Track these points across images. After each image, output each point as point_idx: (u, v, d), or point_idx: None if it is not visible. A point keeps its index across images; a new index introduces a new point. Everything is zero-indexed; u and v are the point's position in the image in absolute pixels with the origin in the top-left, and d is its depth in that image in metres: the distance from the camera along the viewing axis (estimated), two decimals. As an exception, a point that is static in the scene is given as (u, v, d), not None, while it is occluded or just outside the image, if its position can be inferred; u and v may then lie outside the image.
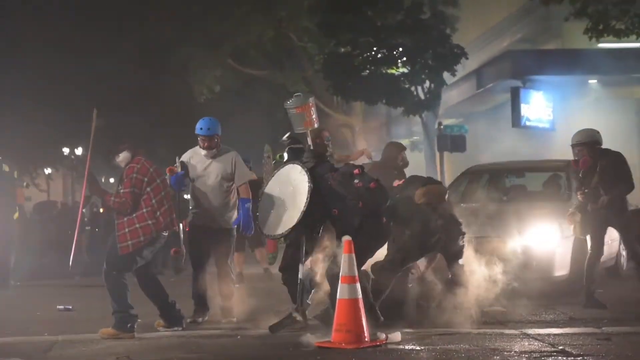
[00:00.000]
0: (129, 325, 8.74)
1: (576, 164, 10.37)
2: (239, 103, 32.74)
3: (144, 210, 8.74)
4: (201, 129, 9.69)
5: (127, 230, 8.69)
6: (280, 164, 9.74)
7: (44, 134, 34.79)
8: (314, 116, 9.85)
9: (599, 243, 10.16)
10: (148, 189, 8.75)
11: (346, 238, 8.18)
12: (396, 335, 8.00)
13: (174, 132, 34.54)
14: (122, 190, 8.71)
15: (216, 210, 9.69)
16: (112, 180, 49.97)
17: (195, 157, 9.76)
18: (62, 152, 45.13)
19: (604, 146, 10.59)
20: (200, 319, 9.57)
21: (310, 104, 10.14)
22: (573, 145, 10.49)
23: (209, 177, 9.69)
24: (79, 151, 45.58)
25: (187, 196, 10.47)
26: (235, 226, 9.80)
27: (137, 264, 8.85)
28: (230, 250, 9.91)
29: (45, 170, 49.24)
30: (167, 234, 8.96)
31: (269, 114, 31.61)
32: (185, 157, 9.78)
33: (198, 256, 9.79)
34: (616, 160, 10.32)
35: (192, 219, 9.88)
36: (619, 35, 20.41)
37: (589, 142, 10.35)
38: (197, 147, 9.80)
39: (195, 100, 30.74)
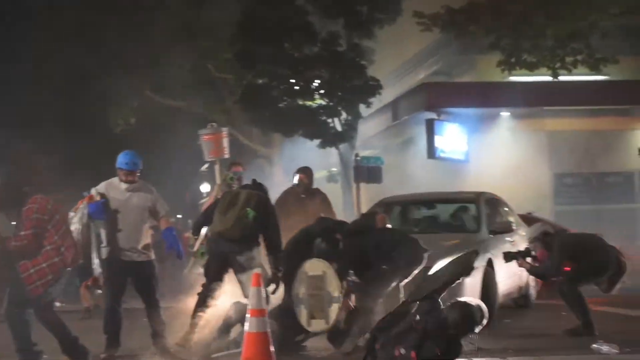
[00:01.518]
0: None
1: (534, 259, 10.79)
2: (156, 134, 32.47)
3: (48, 247, 8.59)
4: (126, 163, 9.58)
5: (32, 270, 8.52)
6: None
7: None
8: (224, 146, 9.91)
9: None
10: (49, 227, 8.61)
11: (255, 271, 8.19)
12: None
13: (93, 163, 34.13)
14: (22, 233, 8.54)
15: (135, 243, 9.59)
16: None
17: (113, 189, 9.64)
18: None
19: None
20: (114, 354, 9.44)
21: (222, 134, 10.18)
22: (530, 241, 10.92)
23: (128, 211, 9.59)
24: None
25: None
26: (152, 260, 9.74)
27: (44, 301, 8.70)
28: (156, 282, 9.79)
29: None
30: (70, 268, 8.82)
31: (187, 145, 31.41)
32: (101, 189, 9.65)
33: (117, 290, 9.65)
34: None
35: (110, 253, 9.71)
36: (531, 68, 20.93)
37: (539, 236, 10.70)
38: (114, 179, 9.70)
39: (111, 131, 30.42)
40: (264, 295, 7.90)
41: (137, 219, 9.58)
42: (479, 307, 7.67)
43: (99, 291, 9.76)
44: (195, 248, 10.19)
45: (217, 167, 11.12)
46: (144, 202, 9.63)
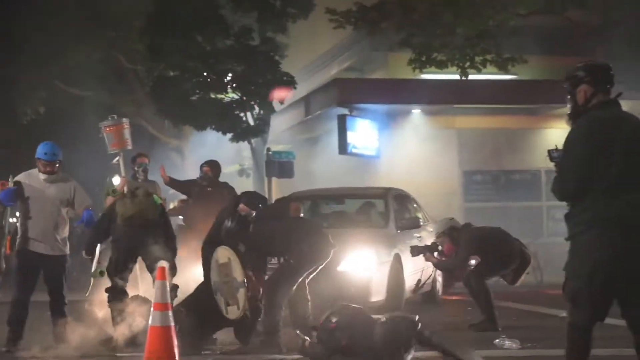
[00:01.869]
0: None
1: (441, 253, 10.88)
2: (65, 125, 31.94)
3: None
4: (45, 153, 9.45)
5: None
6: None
7: None
8: (125, 137, 9.86)
9: None
10: None
11: (161, 264, 8.10)
12: None
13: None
14: None
15: (51, 236, 9.44)
16: None
17: (32, 180, 9.50)
18: None
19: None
20: (14, 348, 9.26)
21: (123, 125, 10.10)
22: (437, 235, 10.98)
23: (46, 202, 9.45)
24: None
25: (12, 220, 10.19)
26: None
27: None
28: (64, 277, 9.66)
29: None
30: None
31: (96, 136, 30.95)
32: (20, 178, 9.52)
33: (25, 282, 9.48)
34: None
35: (22, 244, 9.55)
36: (441, 66, 21.17)
37: (447, 231, 10.79)
38: (34, 170, 9.56)
39: (20, 122, 29.82)
40: (168, 288, 7.82)
41: (54, 210, 9.46)
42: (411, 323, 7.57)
43: None
44: (93, 268, 9.90)
45: (120, 159, 10.98)
46: (62, 193, 9.52)
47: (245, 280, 8.88)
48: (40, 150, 9.49)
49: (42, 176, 9.49)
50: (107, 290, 9.41)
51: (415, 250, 11.08)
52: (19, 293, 9.45)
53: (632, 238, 5.64)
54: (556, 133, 23.26)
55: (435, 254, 10.95)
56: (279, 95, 15.93)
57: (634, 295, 5.67)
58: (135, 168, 12.09)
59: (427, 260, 11.16)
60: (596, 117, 5.82)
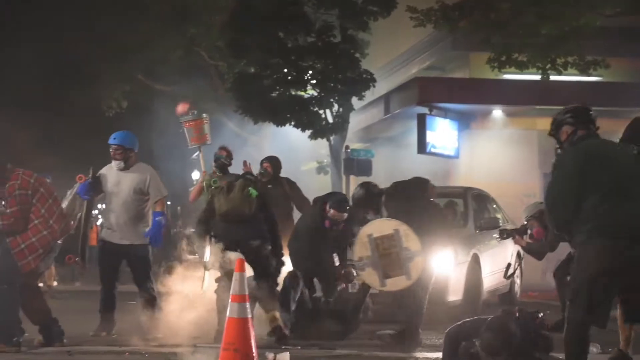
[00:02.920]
0: (14, 339, 8.54)
1: (531, 237, 10.79)
2: (148, 119, 32.45)
3: (36, 221, 8.60)
4: (114, 138, 9.64)
5: (23, 246, 8.52)
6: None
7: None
8: (205, 132, 9.95)
9: None
10: (34, 201, 8.59)
11: (238, 256, 8.15)
12: (284, 356, 7.97)
13: (82, 146, 34.03)
14: (8, 210, 8.51)
15: (127, 226, 9.59)
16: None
17: (110, 171, 9.71)
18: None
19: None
20: (104, 333, 9.44)
21: (203, 121, 10.19)
22: (526, 219, 10.86)
23: (121, 191, 9.60)
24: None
25: (95, 211, 10.43)
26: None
27: (36, 277, 8.75)
28: (149, 265, 9.80)
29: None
30: (60, 241, 8.84)
31: (178, 131, 31.38)
32: (102, 171, 9.76)
33: (108, 272, 9.66)
34: None
35: (103, 234, 9.75)
36: (521, 67, 20.88)
37: (536, 214, 10.64)
38: (113, 163, 9.72)
39: (104, 115, 30.35)
40: (246, 280, 7.86)
41: (129, 200, 9.57)
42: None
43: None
44: (207, 258, 9.80)
45: (200, 154, 11.09)
46: (137, 183, 9.63)
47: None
48: (111, 136, 9.69)
49: (116, 166, 9.64)
50: (217, 280, 9.41)
51: (505, 233, 10.96)
52: (102, 283, 9.65)
53: (636, 247, 6.12)
54: (640, 136, 22.88)
55: (525, 237, 10.80)
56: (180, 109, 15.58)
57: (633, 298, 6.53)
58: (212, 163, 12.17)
59: (516, 243, 11.02)
60: (580, 144, 6.66)
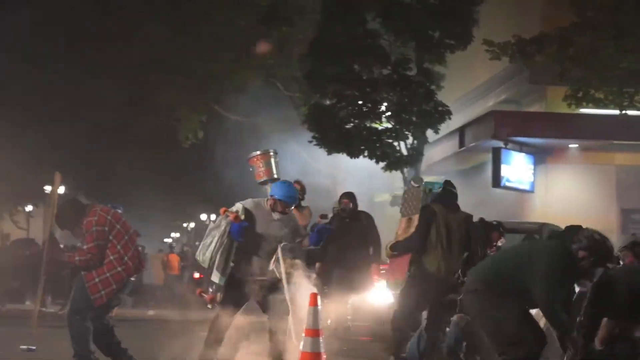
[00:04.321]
0: None
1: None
2: (224, 150, 32.79)
3: (112, 257, 8.72)
4: (290, 197, 9.37)
5: (97, 280, 8.66)
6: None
7: (25, 170, 34.63)
8: (271, 167, 9.98)
9: None
10: (110, 237, 8.72)
11: (313, 291, 8.18)
12: None
13: (155, 176, 34.57)
14: (85, 246, 8.65)
15: (266, 268, 9.33)
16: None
17: (259, 211, 9.32)
18: (44, 190, 44.81)
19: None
20: None
21: (269, 155, 10.21)
22: (619, 250, 10.75)
23: (268, 237, 9.33)
24: (61, 190, 45.30)
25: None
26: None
27: (107, 311, 8.86)
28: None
29: (25, 207, 48.84)
30: (134, 278, 8.95)
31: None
32: (249, 206, 9.37)
33: (236, 306, 9.40)
34: None
35: (240, 274, 9.45)
36: (598, 104, 20.61)
37: (629, 245, 10.55)
38: (262, 200, 9.43)
39: (178, 144, 30.73)
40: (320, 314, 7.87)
41: (274, 247, 9.34)
42: None
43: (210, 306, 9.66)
44: None
45: (268, 188, 11.12)
46: (283, 230, 9.41)
47: None
48: (284, 192, 9.27)
49: (275, 215, 9.40)
50: None
51: None
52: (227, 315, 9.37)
53: None
54: None
55: None
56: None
57: None
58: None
59: None
60: None
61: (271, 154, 10.25)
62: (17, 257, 25.14)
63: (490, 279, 7.27)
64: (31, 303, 24.80)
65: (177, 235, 75.15)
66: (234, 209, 9.28)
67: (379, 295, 13.07)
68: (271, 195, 9.34)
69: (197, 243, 70.05)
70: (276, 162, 10.33)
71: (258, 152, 10.34)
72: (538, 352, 7.10)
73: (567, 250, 7.11)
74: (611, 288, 7.58)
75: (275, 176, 10.38)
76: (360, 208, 13.13)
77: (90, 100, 31.48)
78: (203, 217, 60.66)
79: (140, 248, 9.66)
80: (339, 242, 12.31)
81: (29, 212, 50.02)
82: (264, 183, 10.49)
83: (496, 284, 7.19)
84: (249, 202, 9.41)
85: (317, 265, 12.74)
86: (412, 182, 11.30)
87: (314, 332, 7.80)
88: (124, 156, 34.00)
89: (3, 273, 23.76)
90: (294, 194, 9.48)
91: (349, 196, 13.07)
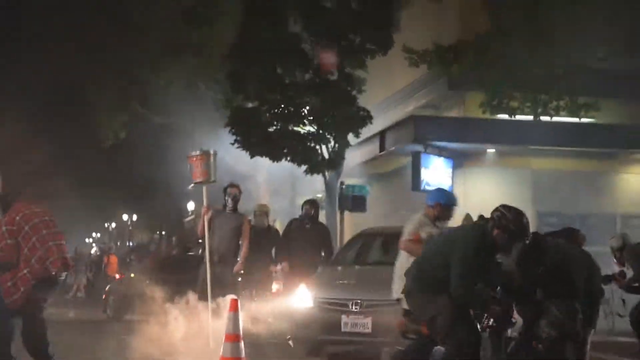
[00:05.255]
0: None
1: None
2: (144, 150, 32.63)
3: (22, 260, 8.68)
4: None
5: (10, 284, 8.62)
6: None
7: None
8: (209, 169, 10.09)
9: None
10: (19, 239, 8.68)
11: (232, 297, 8.34)
12: None
13: (77, 174, 34.14)
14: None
15: None
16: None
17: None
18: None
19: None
20: None
21: (210, 157, 10.32)
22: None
23: None
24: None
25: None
26: None
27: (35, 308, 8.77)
28: None
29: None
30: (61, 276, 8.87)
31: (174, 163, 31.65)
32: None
33: None
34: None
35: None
36: (511, 113, 21.16)
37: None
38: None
39: (99, 144, 30.53)
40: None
41: None
42: None
43: None
44: None
45: (204, 189, 11.24)
46: None
47: None
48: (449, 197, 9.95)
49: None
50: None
51: (606, 279, 11.28)
52: None
53: None
54: (634, 179, 23.09)
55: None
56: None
57: None
58: (226, 198, 12.56)
59: (620, 286, 11.45)
60: None
61: (211, 154, 10.35)
62: None
63: (420, 278, 7.71)
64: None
65: (99, 235, 74.35)
66: None
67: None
68: (436, 202, 9.63)
69: (118, 243, 69.40)
70: (214, 164, 10.47)
71: (198, 152, 10.45)
72: (473, 342, 7.48)
73: (482, 231, 7.64)
74: (538, 247, 8.65)
75: (212, 179, 10.53)
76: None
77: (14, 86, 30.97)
78: (124, 217, 60.28)
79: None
80: (294, 247, 14.02)
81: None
82: (199, 183, 10.65)
83: (426, 282, 7.64)
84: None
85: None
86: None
87: (234, 337, 7.95)
88: (44, 150, 33.46)
89: None
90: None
91: (312, 203, 14.73)
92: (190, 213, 46.34)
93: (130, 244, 60.37)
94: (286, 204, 30.09)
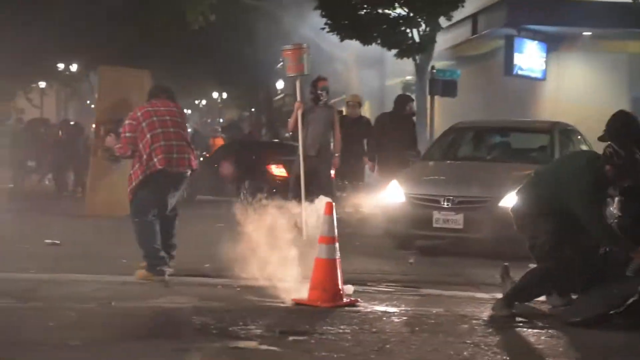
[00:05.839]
0: (157, 268, 9.07)
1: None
2: (234, 34, 32.61)
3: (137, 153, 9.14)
4: None
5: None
6: None
7: (39, 47, 34.57)
8: (303, 62, 10.05)
9: None
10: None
11: (328, 200, 8.45)
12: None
13: (166, 56, 34.36)
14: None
15: None
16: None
17: None
18: (57, 67, 44.83)
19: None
20: None
21: (302, 50, 10.26)
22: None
23: None
24: (73, 67, 45.40)
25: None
26: None
27: (149, 208, 9.14)
28: None
29: (39, 84, 48.94)
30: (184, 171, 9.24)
31: (264, 49, 31.66)
32: None
33: None
34: None
35: None
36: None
37: None
38: None
39: (187, 27, 30.44)
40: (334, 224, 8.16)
41: None
42: None
43: None
44: None
45: (297, 83, 11.20)
46: None
47: None
48: None
49: None
50: None
51: None
52: None
53: None
54: None
55: None
56: None
57: None
58: (318, 91, 12.61)
59: None
60: None
61: (305, 48, 10.31)
62: (35, 136, 25.46)
63: (533, 204, 7.82)
64: (48, 182, 25.36)
65: (189, 112, 75.22)
66: None
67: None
68: None
69: (208, 120, 70.28)
70: (308, 58, 10.43)
71: (292, 46, 10.42)
72: (574, 259, 7.55)
73: (595, 167, 7.58)
74: None
75: (306, 73, 10.52)
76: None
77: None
78: (214, 94, 60.89)
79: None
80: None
81: (42, 89, 50.19)
82: (293, 77, 10.67)
83: (538, 207, 7.74)
84: None
85: None
86: None
87: (329, 240, 8.10)
88: (136, 35, 33.74)
89: (21, 152, 24.27)
90: None
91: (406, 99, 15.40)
92: (279, 92, 46.57)
93: (221, 120, 61.27)
94: (376, 86, 30.02)
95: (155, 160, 9.00)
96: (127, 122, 9.16)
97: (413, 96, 25.13)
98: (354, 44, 26.89)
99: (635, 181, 7.64)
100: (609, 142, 7.64)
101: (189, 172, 9.32)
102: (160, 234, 9.22)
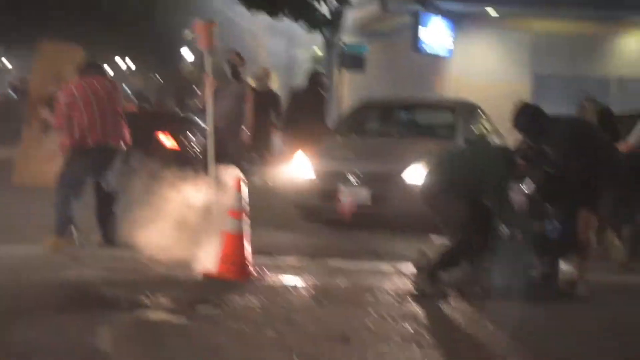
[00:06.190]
0: (65, 232, 9.24)
1: None
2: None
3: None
4: None
5: None
6: None
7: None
8: (211, 37, 10.07)
9: None
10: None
11: (236, 173, 8.54)
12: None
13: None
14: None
15: None
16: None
17: None
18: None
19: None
20: None
21: (212, 25, 10.29)
22: None
23: None
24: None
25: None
26: None
27: (77, 181, 9.29)
28: None
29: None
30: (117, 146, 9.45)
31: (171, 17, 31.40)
32: None
33: None
34: None
35: None
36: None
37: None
38: None
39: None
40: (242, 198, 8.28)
41: None
42: None
43: None
44: None
45: (206, 57, 11.21)
46: None
47: None
48: None
49: None
50: None
51: None
52: None
53: None
54: (635, 42, 22.99)
55: None
56: None
57: None
58: (232, 65, 12.64)
59: None
60: None
61: (214, 24, 10.33)
62: None
63: (446, 187, 8.00)
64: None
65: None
66: None
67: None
68: None
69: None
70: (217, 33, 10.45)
71: (200, 21, 10.41)
72: (484, 234, 7.88)
73: (510, 163, 7.92)
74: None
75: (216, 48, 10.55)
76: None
77: None
78: (118, 61, 60.12)
79: None
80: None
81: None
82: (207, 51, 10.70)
83: (450, 190, 7.94)
84: None
85: None
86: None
87: (237, 214, 8.20)
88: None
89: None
90: None
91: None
92: (188, 63, 46.14)
93: (126, 87, 60.25)
94: (289, 56, 30.02)
95: (88, 134, 9.24)
96: (62, 96, 9.31)
97: (322, 70, 25.44)
98: (265, 20, 26.89)
99: (542, 174, 7.94)
100: (522, 139, 8.01)
101: (122, 146, 9.54)
102: (99, 212, 9.49)
